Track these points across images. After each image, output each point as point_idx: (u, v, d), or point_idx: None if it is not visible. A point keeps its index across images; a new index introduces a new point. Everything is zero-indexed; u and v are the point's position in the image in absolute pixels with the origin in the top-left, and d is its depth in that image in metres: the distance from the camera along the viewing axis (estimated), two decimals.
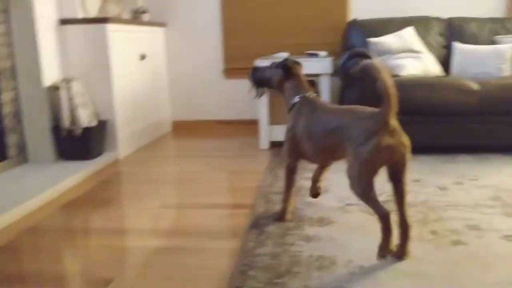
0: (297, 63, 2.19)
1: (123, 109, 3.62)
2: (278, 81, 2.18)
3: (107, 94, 3.45)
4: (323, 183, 2.35)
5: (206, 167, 3.27)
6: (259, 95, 2.28)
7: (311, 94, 2.11)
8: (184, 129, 4.65)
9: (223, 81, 4.56)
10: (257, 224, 2.14)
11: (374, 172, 1.70)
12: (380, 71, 1.65)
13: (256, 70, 2.25)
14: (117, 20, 3.59)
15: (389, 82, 1.64)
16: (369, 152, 1.67)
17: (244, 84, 4.47)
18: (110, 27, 3.41)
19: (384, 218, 1.71)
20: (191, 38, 4.55)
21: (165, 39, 4.56)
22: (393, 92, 1.64)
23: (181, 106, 4.66)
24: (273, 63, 2.22)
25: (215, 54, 4.53)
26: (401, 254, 1.76)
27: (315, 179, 2.31)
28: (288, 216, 2.17)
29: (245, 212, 2.34)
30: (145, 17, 4.27)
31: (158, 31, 4.40)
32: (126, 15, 4.20)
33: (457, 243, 1.89)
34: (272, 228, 2.09)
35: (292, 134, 2.07)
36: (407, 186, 1.78)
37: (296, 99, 2.09)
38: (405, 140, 1.71)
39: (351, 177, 1.76)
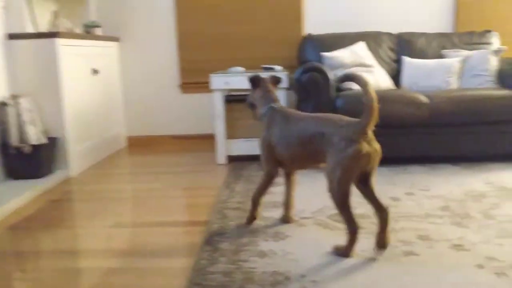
0: (264, 78, 2.35)
1: (75, 126, 3.52)
2: (252, 95, 2.35)
3: (57, 110, 3.34)
4: (293, 211, 2.35)
5: (162, 184, 3.21)
6: (256, 117, 2.37)
7: (279, 104, 2.23)
8: (139, 144, 4.57)
9: (179, 96, 4.52)
10: (211, 241, 2.10)
11: (353, 177, 1.84)
12: (366, 83, 1.78)
13: (248, 97, 2.42)
14: (68, 34, 3.50)
15: (374, 95, 1.77)
16: (350, 158, 1.80)
17: (201, 98, 4.46)
18: (60, 41, 3.32)
19: (353, 232, 1.87)
20: (146, 52, 4.50)
21: (119, 54, 4.49)
22: (376, 105, 1.77)
23: (136, 121, 4.58)
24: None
25: (171, 68, 4.49)
26: (383, 243, 1.91)
27: (288, 204, 2.33)
28: (257, 217, 2.32)
29: (199, 229, 2.31)
30: (98, 32, 4.19)
31: (111, 46, 4.33)
32: (78, 30, 4.11)
33: (409, 253, 1.92)
34: (226, 245, 2.06)
35: (267, 143, 2.16)
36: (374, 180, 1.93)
37: (266, 108, 2.20)
38: (378, 147, 1.86)
39: (331, 181, 1.86)
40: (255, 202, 2.30)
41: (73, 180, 3.37)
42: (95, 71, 3.89)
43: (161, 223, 2.45)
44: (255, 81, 2.34)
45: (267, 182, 2.24)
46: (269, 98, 2.25)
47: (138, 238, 2.27)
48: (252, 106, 2.37)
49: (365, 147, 1.80)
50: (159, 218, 2.54)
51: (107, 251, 2.12)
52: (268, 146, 2.16)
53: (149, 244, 2.18)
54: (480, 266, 1.78)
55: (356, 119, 1.84)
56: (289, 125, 2.08)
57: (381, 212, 1.92)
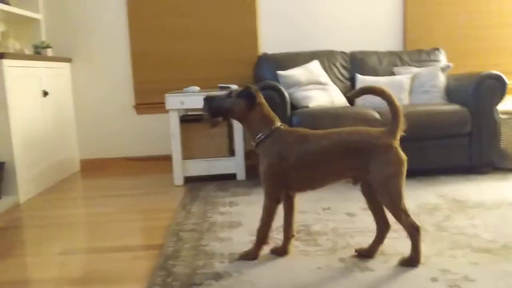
0: (259, 91, 2.06)
1: (24, 149, 3.38)
2: (240, 111, 2.01)
3: (5, 133, 3.20)
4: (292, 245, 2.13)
5: (116, 207, 3.11)
6: (214, 126, 2.17)
7: (281, 123, 2.03)
8: (94, 168, 4.44)
9: (134, 117, 4.44)
10: (165, 265, 2.04)
11: (403, 183, 1.89)
12: (390, 94, 1.90)
13: (211, 100, 2.04)
14: (16, 55, 3.39)
15: (399, 104, 1.91)
16: (401, 164, 1.88)
17: (156, 119, 4.40)
18: (7, 62, 3.20)
19: (417, 234, 1.90)
20: (99, 73, 4.41)
21: (70, 75, 4.37)
22: (402, 113, 1.90)
23: (90, 144, 4.46)
24: (230, 91, 2.05)
25: (125, 89, 4.41)
26: (371, 254, 2.01)
27: (289, 232, 2.10)
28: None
29: (154, 253, 2.23)
30: (49, 52, 4.09)
31: (63, 67, 4.22)
32: (29, 51, 3.99)
33: (364, 269, 1.92)
34: (181, 268, 2.00)
35: (278, 168, 1.94)
36: None
37: (269, 130, 1.98)
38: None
39: (389, 192, 1.88)
40: (265, 238, 2.05)
41: (22, 206, 3.22)
42: (45, 93, 3.77)
43: (113, 249, 2.36)
44: (252, 97, 1.99)
45: (275, 211, 2.02)
46: (271, 118, 2.01)
47: (89, 265, 2.17)
48: (217, 114, 2.05)
49: (402, 152, 1.91)
50: (112, 243, 2.44)
51: (57, 280, 2.02)
52: (278, 172, 1.95)
53: (100, 271, 2.08)
54: (434, 279, 1.80)
55: (382, 128, 1.94)
56: (308, 144, 1.93)
57: (383, 225, 2.01)
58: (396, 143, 1.91)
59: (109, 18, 4.35)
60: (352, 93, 2.02)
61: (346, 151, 1.90)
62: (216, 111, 2.04)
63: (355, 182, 2.03)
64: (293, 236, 2.10)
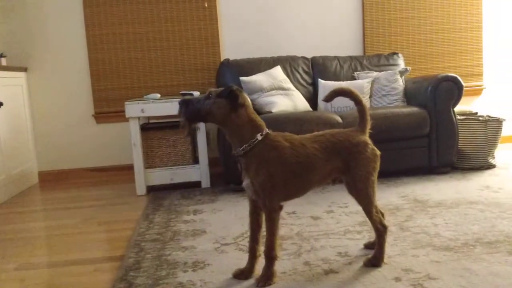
0: (242, 91, 1.84)
1: None
2: (222, 114, 1.78)
3: None
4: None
5: (76, 220, 3.01)
6: (193, 132, 1.95)
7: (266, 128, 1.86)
8: (53, 180, 4.29)
9: (94, 126, 4.33)
10: (125, 277, 1.97)
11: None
12: (358, 94, 1.98)
13: (187, 103, 1.80)
14: None
15: (366, 103, 2.04)
16: (377, 160, 1.95)
17: (117, 128, 4.30)
18: None
19: (384, 233, 1.94)
20: (56, 82, 4.28)
21: (26, 84, 4.23)
22: (368, 111, 2.01)
23: (48, 155, 4.31)
24: (210, 92, 1.81)
25: (84, 98, 4.30)
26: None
27: (254, 252, 1.92)
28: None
29: (114, 265, 2.16)
30: (3, 62, 3.94)
31: (18, 76, 4.08)
32: None
33: (328, 272, 1.91)
34: (142, 280, 1.94)
35: (280, 176, 1.80)
36: None
37: (259, 137, 1.81)
38: None
39: (365, 188, 1.91)
40: (275, 251, 1.84)
41: None
42: None
43: (73, 262, 2.27)
44: (234, 96, 1.77)
45: (279, 219, 1.85)
46: (259, 122, 1.84)
47: (48, 280, 2.08)
48: (194, 118, 1.82)
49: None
50: (72, 256, 2.35)
51: None
52: (280, 179, 1.81)
53: (60, 285, 2.00)
54: (398, 279, 1.81)
55: (352, 128, 2.00)
56: (304, 148, 1.84)
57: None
58: (369, 139, 1.98)
59: (66, 26, 4.24)
60: (325, 96, 2.04)
61: (332, 153, 1.90)
62: (193, 116, 1.80)
63: (333, 183, 2.04)
64: (259, 255, 1.92)
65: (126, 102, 3.47)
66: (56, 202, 3.55)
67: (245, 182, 1.85)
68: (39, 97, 4.28)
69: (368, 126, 2.01)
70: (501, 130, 3.65)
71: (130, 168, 3.96)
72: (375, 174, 1.95)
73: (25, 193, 3.92)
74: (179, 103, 1.83)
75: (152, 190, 3.61)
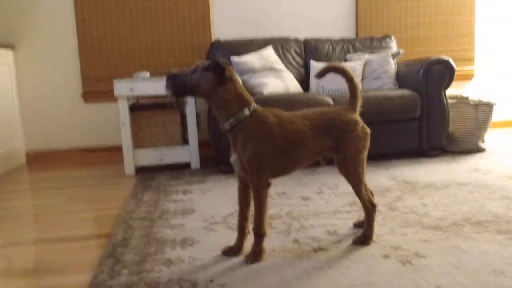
0: (229, 65, 1.82)
1: None
2: (208, 87, 1.76)
3: None
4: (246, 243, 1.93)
5: (63, 199, 2.97)
6: (181, 106, 1.91)
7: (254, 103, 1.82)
8: (41, 159, 4.24)
9: (82, 106, 4.26)
10: (113, 254, 1.95)
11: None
12: (349, 71, 1.95)
13: (174, 76, 1.78)
14: None
15: (357, 81, 1.99)
16: (368, 138, 1.93)
17: (106, 108, 4.24)
18: None
19: (373, 212, 1.94)
20: (45, 60, 4.20)
21: (14, 62, 4.15)
22: (360, 89, 1.99)
23: (36, 135, 4.25)
24: (197, 66, 1.78)
25: (72, 77, 4.22)
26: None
27: (243, 229, 1.91)
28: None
29: (102, 242, 2.14)
30: None
31: (5, 54, 3.99)
32: None
33: (318, 249, 1.91)
34: (130, 256, 1.92)
35: (267, 152, 1.78)
36: None
37: (247, 112, 1.78)
38: None
39: (355, 167, 1.89)
40: (264, 229, 1.84)
41: None
42: None
43: (60, 239, 2.24)
44: (221, 70, 1.73)
45: (266, 196, 1.83)
46: (246, 97, 1.80)
47: (33, 256, 2.05)
48: (181, 92, 1.80)
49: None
50: (58, 234, 2.32)
51: (0, 272, 1.90)
52: (267, 155, 1.78)
53: (46, 261, 1.97)
54: (386, 256, 1.81)
55: (343, 106, 1.97)
56: (293, 125, 1.82)
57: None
58: (359, 118, 1.96)
59: (55, 3, 4.14)
60: (318, 73, 1.98)
61: (323, 130, 1.87)
62: (180, 89, 1.78)
63: (325, 162, 2.02)
64: (248, 232, 1.90)
65: (115, 80, 3.41)
66: (43, 182, 3.50)
67: (233, 158, 1.84)
68: (26, 75, 4.20)
69: (359, 105, 1.99)
70: (491, 114, 3.66)
71: (119, 149, 3.90)
72: (365, 153, 1.94)
73: (12, 172, 3.87)
74: (166, 77, 1.80)
75: (141, 171, 3.57)
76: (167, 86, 1.80)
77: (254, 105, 1.81)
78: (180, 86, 1.77)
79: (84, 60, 4.19)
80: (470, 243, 1.90)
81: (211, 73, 1.74)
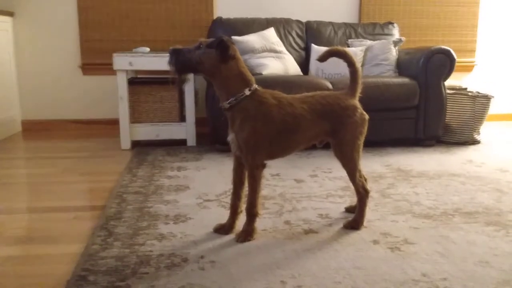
0: (233, 43, 1.79)
1: None
2: (211, 65, 1.75)
3: None
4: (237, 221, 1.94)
5: (58, 169, 2.98)
6: (182, 83, 1.87)
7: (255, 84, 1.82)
8: (37, 129, 4.22)
9: (80, 77, 4.23)
10: (106, 226, 1.97)
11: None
12: (352, 56, 1.94)
13: (178, 52, 1.76)
14: None
15: (359, 66, 1.98)
16: (365, 125, 1.93)
17: (104, 81, 4.22)
18: None
19: (366, 193, 1.97)
20: (44, 29, 4.15)
21: (12, 30, 4.10)
22: (361, 74, 1.99)
23: (33, 105, 4.22)
24: (200, 42, 1.76)
25: (71, 48, 4.18)
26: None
27: (236, 208, 1.92)
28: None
29: (95, 214, 2.16)
30: None
31: (4, 21, 3.94)
32: None
33: (308, 231, 1.93)
34: (123, 229, 1.94)
35: (264, 132, 1.78)
36: None
37: (247, 92, 1.77)
38: None
39: (351, 152, 1.91)
40: (257, 209, 1.85)
41: None
42: None
43: (53, 209, 2.26)
44: (225, 47, 1.72)
45: (261, 177, 1.83)
46: (248, 77, 1.80)
47: (26, 225, 2.07)
48: (184, 69, 1.79)
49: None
50: (52, 203, 2.34)
51: None
52: (264, 136, 1.78)
53: (39, 230, 1.99)
54: (376, 242, 1.83)
55: (343, 91, 1.97)
56: (292, 107, 1.81)
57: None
58: (359, 103, 1.96)
59: None
60: (319, 56, 1.96)
61: (321, 115, 1.87)
62: (183, 66, 1.77)
63: (320, 144, 2.01)
64: (241, 211, 1.93)
65: (114, 54, 3.39)
66: (38, 151, 3.50)
67: (230, 137, 1.84)
68: (25, 43, 4.15)
69: (359, 90, 1.99)
70: (488, 107, 3.66)
71: (115, 122, 3.91)
72: (362, 139, 1.94)
73: (7, 140, 3.86)
74: (169, 52, 1.78)
75: (137, 145, 3.58)
76: (170, 62, 1.77)
77: (255, 85, 1.81)
78: (183, 63, 1.76)
79: (84, 32, 4.14)
80: (459, 233, 1.93)
81: (214, 50, 1.73)
